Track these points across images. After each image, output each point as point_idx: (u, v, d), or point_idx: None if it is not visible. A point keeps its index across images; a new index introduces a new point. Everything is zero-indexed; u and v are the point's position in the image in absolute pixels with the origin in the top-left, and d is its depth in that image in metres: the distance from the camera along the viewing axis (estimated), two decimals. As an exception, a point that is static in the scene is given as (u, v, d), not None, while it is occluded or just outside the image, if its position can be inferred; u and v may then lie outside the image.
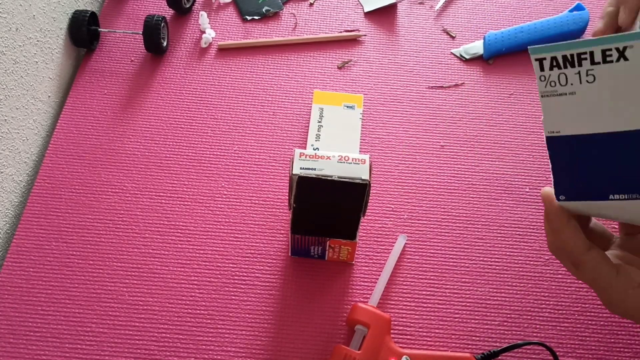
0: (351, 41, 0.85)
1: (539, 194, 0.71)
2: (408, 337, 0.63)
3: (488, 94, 0.81)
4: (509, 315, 0.64)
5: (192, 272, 0.66)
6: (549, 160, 0.46)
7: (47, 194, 0.70)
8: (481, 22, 0.88)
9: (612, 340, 0.63)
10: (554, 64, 0.45)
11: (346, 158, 0.57)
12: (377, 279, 0.66)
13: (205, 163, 0.74)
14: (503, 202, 0.72)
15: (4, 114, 0.68)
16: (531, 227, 0.70)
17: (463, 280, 0.67)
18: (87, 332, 0.62)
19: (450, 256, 0.68)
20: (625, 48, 0.40)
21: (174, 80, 0.81)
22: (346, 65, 0.83)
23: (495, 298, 0.65)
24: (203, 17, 0.84)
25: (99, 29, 0.83)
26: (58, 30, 0.78)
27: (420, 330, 0.63)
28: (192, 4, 0.87)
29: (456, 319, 0.64)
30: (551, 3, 0.90)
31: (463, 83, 0.82)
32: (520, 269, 0.67)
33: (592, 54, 0.42)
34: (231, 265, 0.67)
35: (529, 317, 0.64)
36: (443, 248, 0.69)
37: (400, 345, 0.62)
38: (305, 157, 0.57)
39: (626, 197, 0.44)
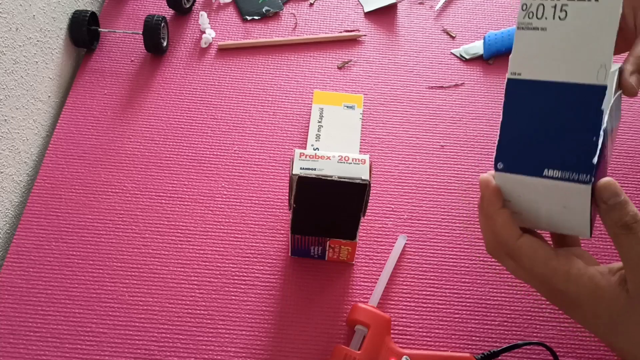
0: (351, 41, 0.85)
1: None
2: (408, 337, 0.63)
3: (488, 94, 0.81)
4: (509, 315, 0.64)
5: (192, 272, 0.66)
6: (502, 113, 0.46)
7: (47, 194, 0.70)
8: (481, 22, 0.88)
9: (612, 340, 0.63)
10: None
11: (346, 158, 0.57)
12: (377, 279, 0.66)
13: (205, 163, 0.74)
14: (503, 202, 0.72)
15: (4, 114, 0.68)
16: (531, 227, 0.70)
17: (463, 280, 0.67)
18: (87, 332, 0.62)
19: (450, 256, 0.68)
20: None
21: (174, 80, 0.81)
22: (346, 65, 0.83)
23: (495, 298, 0.65)
24: (203, 17, 0.84)
25: (99, 29, 0.83)
26: (58, 30, 0.78)
27: (420, 330, 0.63)
28: (192, 4, 0.87)
29: (456, 319, 0.64)
30: (551, 3, 0.89)
31: (463, 83, 0.82)
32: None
33: None
34: (231, 265, 0.67)
35: (529, 317, 0.64)
36: (443, 248, 0.69)
37: (400, 345, 0.62)
38: (305, 157, 0.57)
39: (559, 177, 0.44)
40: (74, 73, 0.83)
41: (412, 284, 0.66)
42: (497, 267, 0.67)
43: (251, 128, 0.77)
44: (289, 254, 0.67)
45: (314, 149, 0.70)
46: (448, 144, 0.76)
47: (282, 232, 0.69)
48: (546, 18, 0.44)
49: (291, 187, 0.58)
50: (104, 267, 0.66)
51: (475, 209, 0.71)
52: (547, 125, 0.44)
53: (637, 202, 0.72)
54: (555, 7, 0.44)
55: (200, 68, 0.82)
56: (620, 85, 0.48)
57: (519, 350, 0.62)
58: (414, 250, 0.68)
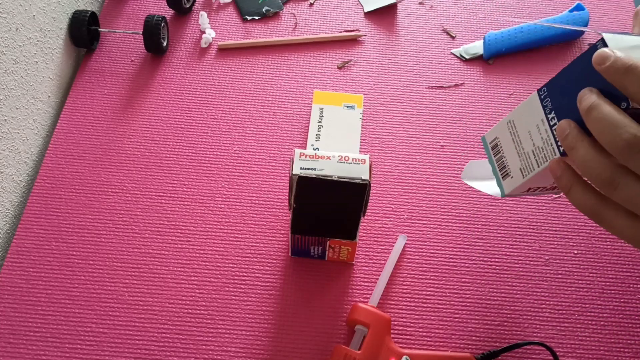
0: (351, 41, 0.85)
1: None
2: (408, 337, 0.63)
3: (488, 94, 0.81)
4: (509, 315, 0.64)
5: (192, 272, 0.66)
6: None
7: (47, 194, 0.70)
8: (481, 22, 0.88)
9: (612, 340, 0.63)
10: None
11: (346, 158, 0.57)
12: (377, 279, 0.66)
13: (205, 163, 0.74)
14: (503, 202, 0.72)
15: (4, 114, 0.68)
16: (531, 227, 0.70)
17: (463, 280, 0.67)
18: (87, 332, 0.62)
19: (450, 256, 0.68)
20: None
21: (174, 80, 0.81)
22: (346, 65, 0.83)
23: (495, 298, 0.65)
24: (203, 17, 0.84)
25: (99, 29, 0.83)
26: (58, 30, 0.78)
27: (420, 330, 0.63)
28: (192, 4, 0.87)
29: (456, 319, 0.64)
30: (551, 3, 0.90)
31: (463, 83, 0.82)
32: (520, 269, 0.67)
33: None
34: (231, 265, 0.67)
35: (529, 317, 0.64)
36: (443, 248, 0.69)
37: (400, 345, 0.62)
38: (305, 157, 0.57)
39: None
40: (74, 73, 0.83)
41: (412, 284, 0.66)
42: (497, 267, 0.67)
43: (251, 128, 0.77)
44: (289, 254, 0.67)
45: (314, 149, 0.70)
46: (448, 144, 0.76)
47: (282, 232, 0.69)
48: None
49: (291, 187, 0.58)
50: (104, 267, 0.66)
51: (476, 209, 0.71)
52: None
53: (637, 202, 0.72)
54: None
55: (200, 68, 0.82)
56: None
57: (519, 350, 0.62)
58: (414, 250, 0.68)
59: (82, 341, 0.62)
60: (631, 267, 0.68)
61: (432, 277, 0.67)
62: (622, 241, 0.69)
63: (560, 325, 0.64)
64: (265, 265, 0.67)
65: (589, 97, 0.42)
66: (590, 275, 0.67)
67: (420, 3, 0.90)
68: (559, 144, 0.47)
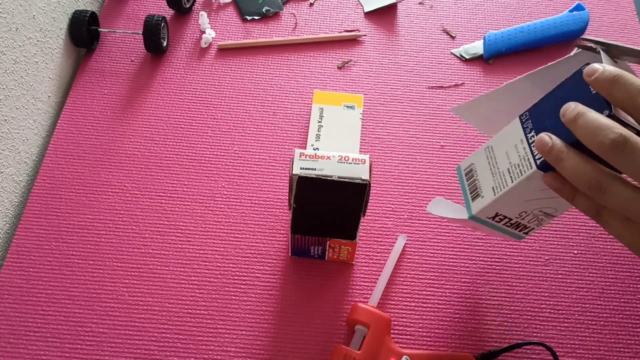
0: (351, 41, 0.85)
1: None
2: (408, 337, 0.63)
3: (488, 94, 0.81)
4: (509, 315, 0.64)
5: (192, 272, 0.66)
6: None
7: (47, 194, 0.70)
8: (481, 22, 0.88)
9: (612, 340, 0.63)
10: None
11: (346, 158, 0.57)
12: (377, 279, 0.66)
13: (205, 163, 0.74)
14: (503, 202, 0.72)
15: (4, 114, 0.68)
16: (531, 227, 0.70)
17: (463, 280, 0.67)
18: (87, 332, 0.62)
19: (450, 256, 0.68)
20: None
21: (174, 80, 0.81)
22: (346, 65, 0.83)
23: (495, 298, 0.65)
24: (203, 17, 0.84)
25: (99, 29, 0.83)
26: (58, 30, 0.78)
27: (420, 330, 0.63)
28: (192, 4, 0.87)
29: (456, 319, 0.64)
30: (551, 3, 0.90)
31: (463, 83, 0.82)
32: (520, 269, 0.67)
33: None
34: (231, 265, 0.67)
35: (529, 317, 0.64)
36: (443, 248, 0.69)
37: (400, 345, 0.62)
38: (305, 157, 0.57)
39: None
40: (74, 73, 0.83)
41: (412, 284, 0.66)
42: (497, 267, 0.67)
43: (251, 128, 0.77)
44: (289, 254, 0.67)
45: (314, 149, 0.70)
46: (448, 144, 0.76)
47: (282, 232, 0.69)
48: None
49: (291, 187, 0.58)
50: (104, 267, 0.66)
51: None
52: None
53: (637, 202, 0.72)
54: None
55: (200, 68, 0.82)
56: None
57: (519, 350, 0.62)
58: (414, 250, 0.68)
59: (82, 341, 0.62)
60: (631, 267, 0.68)
61: (432, 277, 0.67)
62: (622, 241, 0.69)
63: (560, 325, 0.64)
64: (265, 265, 0.67)
65: (574, 107, 0.44)
66: (590, 275, 0.67)
67: (420, 3, 0.90)
68: (537, 156, 0.47)
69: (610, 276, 0.67)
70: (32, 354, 0.61)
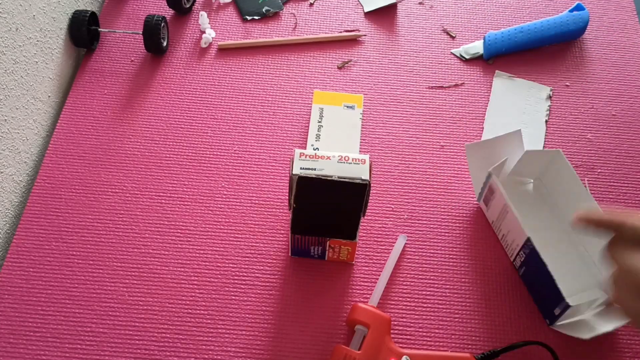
0: (351, 41, 0.85)
1: (539, 194, 0.71)
2: (408, 337, 0.63)
3: (488, 94, 0.81)
4: (509, 316, 0.64)
5: (192, 272, 0.66)
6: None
7: (47, 194, 0.70)
8: (481, 22, 0.88)
9: (612, 340, 0.63)
10: None
11: (346, 158, 0.57)
12: (377, 279, 0.66)
13: (205, 163, 0.74)
14: (503, 202, 0.72)
15: (4, 114, 0.68)
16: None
17: (463, 280, 0.67)
18: (87, 332, 0.62)
19: (451, 256, 0.68)
20: None
21: (174, 80, 0.81)
22: (346, 65, 0.83)
23: (495, 298, 0.65)
24: (203, 17, 0.84)
25: (99, 29, 0.83)
26: (58, 30, 0.78)
27: (420, 330, 0.63)
28: (192, 4, 0.87)
29: (456, 319, 0.64)
30: (551, 3, 0.90)
31: (463, 83, 0.82)
32: (520, 269, 0.67)
33: None
34: (231, 265, 0.67)
35: (529, 317, 0.64)
36: (443, 248, 0.69)
37: (400, 345, 0.62)
38: (305, 157, 0.57)
39: None
40: (74, 73, 0.83)
41: (412, 284, 0.66)
42: (497, 267, 0.67)
43: (251, 128, 0.77)
44: (289, 254, 0.67)
45: (314, 149, 0.70)
46: (448, 144, 0.76)
47: (282, 232, 0.69)
48: None
49: (291, 187, 0.58)
50: (104, 267, 0.66)
51: (476, 209, 0.71)
52: None
53: (637, 202, 0.72)
54: None
55: (200, 68, 0.82)
56: None
57: (519, 350, 0.62)
58: (414, 250, 0.68)
59: (82, 341, 0.62)
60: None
61: (432, 277, 0.67)
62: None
63: (560, 325, 0.64)
64: (265, 265, 0.67)
65: None
66: None
67: (420, 3, 0.90)
68: None
69: (610, 276, 0.67)
70: (32, 354, 0.61)
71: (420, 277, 0.67)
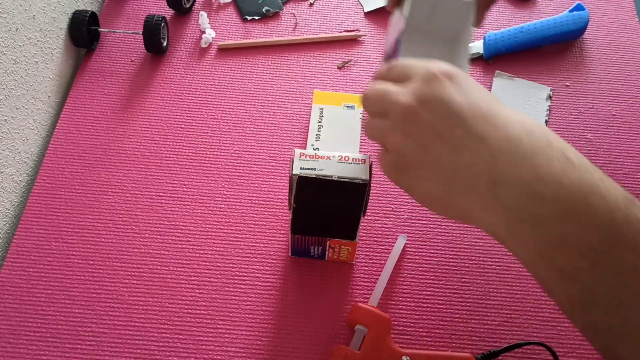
0: (351, 41, 0.85)
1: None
2: (408, 337, 0.63)
3: (488, 94, 0.81)
4: (509, 315, 0.64)
5: (192, 272, 0.66)
6: None
7: (47, 194, 0.70)
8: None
9: (612, 340, 0.63)
10: None
11: (346, 158, 0.57)
12: (377, 279, 0.66)
13: (205, 163, 0.74)
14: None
15: (4, 114, 0.68)
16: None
17: (463, 280, 0.67)
18: (87, 332, 0.62)
19: (451, 256, 0.68)
20: None
21: (174, 80, 0.81)
22: (346, 65, 0.83)
23: (495, 298, 0.65)
24: (203, 17, 0.84)
25: (99, 29, 0.83)
26: (58, 30, 0.78)
27: (420, 330, 0.63)
28: (192, 4, 0.87)
29: (456, 319, 0.64)
30: (551, 3, 0.90)
31: (463, 83, 0.81)
32: (520, 269, 0.67)
33: None
34: (231, 265, 0.67)
35: (529, 317, 0.64)
36: (443, 248, 0.69)
37: (401, 345, 0.62)
38: (305, 157, 0.57)
39: None
40: (74, 73, 0.83)
41: (412, 284, 0.66)
42: (497, 267, 0.67)
43: (251, 128, 0.77)
44: (289, 254, 0.67)
45: (314, 149, 0.70)
46: (448, 144, 0.76)
47: (282, 232, 0.69)
48: None
49: (291, 187, 0.58)
50: (104, 267, 0.66)
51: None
52: None
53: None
54: None
55: (200, 68, 0.82)
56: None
57: (519, 350, 0.62)
58: (414, 250, 0.68)
59: (82, 341, 0.62)
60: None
61: (432, 277, 0.67)
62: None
63: (560, 325, 0.64)
64: (265, 265, 0.67)
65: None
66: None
67: (420, 3, 0.90)
68: None
69: (610, 276, 0.67)
70: (32, 354, 0.61)
71: (420, 277, 0.67)
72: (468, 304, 0.65)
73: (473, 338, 0.63)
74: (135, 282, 0.65)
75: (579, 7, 0.85)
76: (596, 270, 0.40)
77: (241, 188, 0.72)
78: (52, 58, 0.78)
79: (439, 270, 0.67)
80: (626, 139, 0.77)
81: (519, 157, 0.41)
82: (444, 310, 0.65)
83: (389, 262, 0.66)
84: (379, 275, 0.66)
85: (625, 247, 0.39)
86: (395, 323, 0.64)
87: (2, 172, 0.68)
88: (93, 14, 0.81)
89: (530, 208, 0.40)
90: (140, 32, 0.81)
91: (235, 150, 0.75)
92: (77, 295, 0.64)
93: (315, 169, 0.56)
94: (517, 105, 0.79)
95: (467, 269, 0.67)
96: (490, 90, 0.81)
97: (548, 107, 0.79)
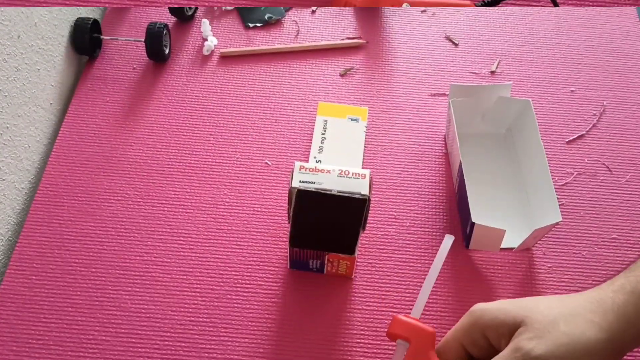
0: (354, 48, 0.85)
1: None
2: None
3: (490, 101, 0.81)
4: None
5: (195, 279, 0.66)
6: None
7: (49, 201, 0.70)
8: (484, 29, 0.88)
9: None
10: None
11: (346, 172, 0.57)
12: (379, 287, 0.66)
13: (207, 171, 0.74)
14: (505, 210, 0.72)
15: (6, 122, 0.68)
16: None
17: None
18: (90, 340, 0.62)
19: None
20: None
21: (176, 87, 0.81)
22: (348, 72, 0.83)
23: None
24: (205, 25, 0.84)
25: (101, 37, 0.83)
26: (60, 38, 0.79)
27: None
28: (195, 12, 0.87)
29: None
30: (554, 10, 0.90)
31: (465, 90, 0.81)
32: (523, 277, 0.67)
33: None
34: (233, 272, 0.67)
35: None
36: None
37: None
38: (305, 170, 0.57)
39: None
40: (76, 80, 0.84)
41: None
42: (500, 275, 0.67)
43: (253, 136, 0.77)
44: (288, 267, 0.67)
45: (317, 161, 0.70)
46: (450, 152, 0.76)
47: (284, 239, 0.69)
48: None
49: (290, 199, 0.57)
50: (106, 274, 0.66)
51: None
52: None
53: None
54: None
55: (202, 75, 0.82)
56: None
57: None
58: (416, 258, 0.68)
59: (84, 349, 0.62)
60: (634, 275, 0.67)
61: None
62: (625, 249, 0.69)
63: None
64: (268, 273, 0.67)
65: None
66: (594, 283, 0.67)
67: (422, 11, 0.90)
68: None
69: (612, 284, 0.67)
70: (34, 363, 0.61)
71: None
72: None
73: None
74: (138, 289, 0.65)
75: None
76: None
77: (243, 196, 0.72)
78: (54, 65, 0.78)
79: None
80: (630, 147, 0.77)
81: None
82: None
83: (433, 268, 0.56)
84: (382, 284, 0.66)
85: None
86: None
87: (4, 180, 0.68)
88: (95, 21, 0.81)
89: None
90: (143, 40, 0.81)
91: (237, 158, 0.75)
92: (79, 303, 0.64)
93: (314, 183, 0.56)
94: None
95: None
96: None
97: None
